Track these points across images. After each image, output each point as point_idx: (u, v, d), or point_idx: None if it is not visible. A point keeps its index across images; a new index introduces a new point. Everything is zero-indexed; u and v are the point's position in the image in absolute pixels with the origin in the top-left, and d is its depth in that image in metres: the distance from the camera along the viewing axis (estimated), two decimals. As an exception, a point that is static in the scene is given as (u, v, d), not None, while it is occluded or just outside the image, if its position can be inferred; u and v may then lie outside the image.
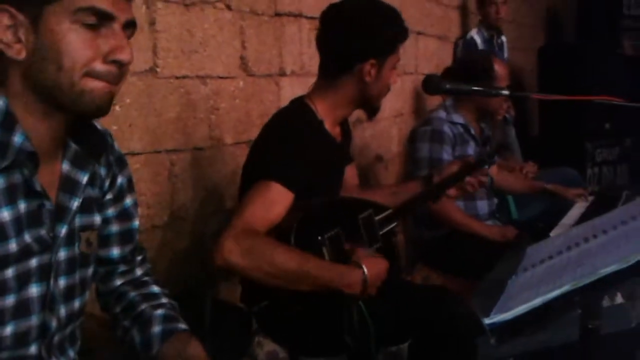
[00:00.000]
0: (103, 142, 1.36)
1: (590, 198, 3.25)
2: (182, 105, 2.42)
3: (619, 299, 1.32)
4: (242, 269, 1.77)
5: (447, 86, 2.07)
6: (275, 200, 1.84)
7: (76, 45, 1.15)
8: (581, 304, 1.12)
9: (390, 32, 2.07)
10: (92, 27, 1.16)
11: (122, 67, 1.20)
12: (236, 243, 1.74)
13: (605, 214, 1.22)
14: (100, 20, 1.16)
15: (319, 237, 1.82)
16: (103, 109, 1.21)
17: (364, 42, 2.03)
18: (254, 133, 2.77)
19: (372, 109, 2.18)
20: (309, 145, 1.95)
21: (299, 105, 2.09)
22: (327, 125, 2.08)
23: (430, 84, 2.09)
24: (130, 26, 1.23)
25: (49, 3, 1.14)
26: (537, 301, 0.88)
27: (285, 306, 1.87)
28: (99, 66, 1.16)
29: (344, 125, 2.22)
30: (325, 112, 2.07)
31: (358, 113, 2.41)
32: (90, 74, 1.16)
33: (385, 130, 4.27)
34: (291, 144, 1.93)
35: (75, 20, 1.14)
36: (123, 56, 1.18)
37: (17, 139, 1.16)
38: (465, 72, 3.15)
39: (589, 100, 2.02)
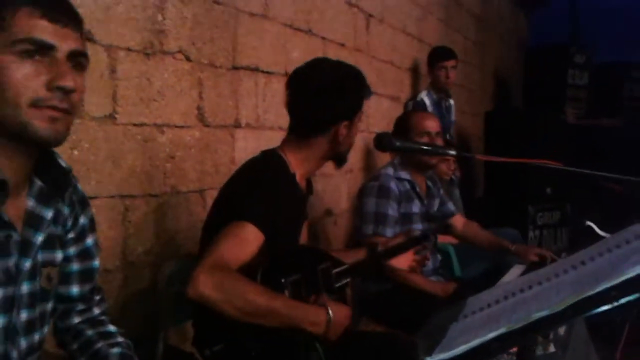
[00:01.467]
0: (66, 179, 1.39)
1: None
2: (139, 152, 2.46)
3: (552, 348, 1.39)
4: (214, 301, 1.80)
5: (397, 144, 2.16)
6: (247, 240, 1.90)
7: (17, 76, 1.17)
8: (517, 352, 1.20)
9: (357, 93, 2.19)
10: (33, 58, 1.19)
11: (67, 95, 1.21)
12: (209, 276, 1.79)
13: (539, 269, 1.30)
14: (40, 50, 1.19)
15: (282, 280, 1.89)
16: (52, 137, 1.22)
17: (336, 108, 2.14)
18: (207, 182, 2.84)
19: (340, 161, 2.29)
20: (282, 194, 2.03)
21: (273, 156, 2.16)
22: (298, 178, 2.17)
23: (381, 142, 2.17)
24: (77, 55, 1.25)
25: None
26: (475, 342, 0.95)
27: (241, 350, 1.90)
28: (42, 93, 1.19)
29: (309, 180, 2.30)
30: (297, 165, 2.16)
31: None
32: (35, 104, 1.19)
33: (335, 186, 4.36)
34: (266, 190, 2.01)
35: (15, 52, 1.17)
36: (64, 82, 1.20)
37: None
38: (398, 129, 3.32)
39: (531, 163, 2.12)
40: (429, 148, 2.34)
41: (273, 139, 2.26)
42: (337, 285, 2.10)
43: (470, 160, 6.68)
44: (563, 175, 6.47)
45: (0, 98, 1.18)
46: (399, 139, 2.32)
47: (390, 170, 3.26)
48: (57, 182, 1.36)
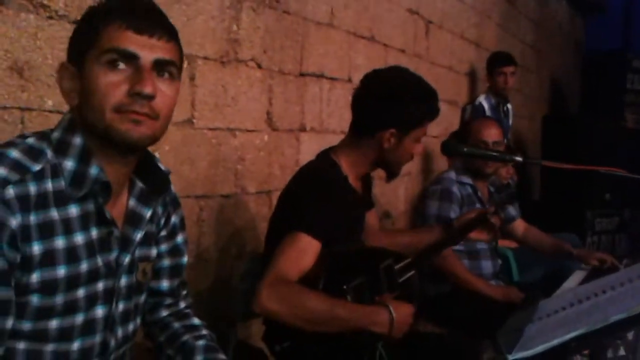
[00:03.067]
0: (165, 182, 1.50)
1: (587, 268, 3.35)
2: (213, 154, 2.58)
3: (621, 351, 1.45)
4: (278, 314, 1.90)
5: (465, 150, 2.22)
6: (304, 250, 1.97)
7: (102, 85, 1.26)
8: (589, 354, 1.26)
9: (417, 109, 2.15)
10: (117, 67, 1.27)
11: (147, 100, 1.28)
12: (272, 291, 1.89)
13: (610, 274, 1.36)
14: (124, 59, 1.27)
15: (344, 287, 1.95)
16: (135, 138, 1.29)
17: (388, 112, 2.14)
18: (274, 184, 2.95)
19: (390, 173, 2.29)
20: (335, 199, 2.08)
21: (326, 160, 2.22)
22: (351, 179, 2.21)
23: (447, 147, 2.24)
24: (164, 64, 1.31)
25: (87, 51, 1.28)
26: (555, 342, 1.02)
27: (307, 347, 1.99)
28: (124, 100, 1.26)
29: (366, 177, 2.35)
30: (348, 167, 2.21)
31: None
32: (118, 109, 1.27)
33: (393, 189, 4.43)
34: (319, 198, 2.06)
35: (102, 62, 1.27)
36: (142, 88, 1.26)
37: (93, 170, 1.31)
38: (462, 135, 3.36)
39: (595, 170, 2.16)
40: (495, 154, 2.40)
41: (335, 143, 2.31)
42: (401, 280, 2.16)
43: (525, 167, 6.67)
44: (622, 181, 6.41)
45: (90, 105, 1.28)
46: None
47: (453, 174, 3.32)
48: (156, 184, 1.47)
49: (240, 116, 2.73)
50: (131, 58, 1.28)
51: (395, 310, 1.94)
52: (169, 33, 1.33)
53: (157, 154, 2.29)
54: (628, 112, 7.62)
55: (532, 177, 6.91)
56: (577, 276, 3.15)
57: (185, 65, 2.41)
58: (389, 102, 2.14)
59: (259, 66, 2.82)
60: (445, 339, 2.42)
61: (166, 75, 1.32)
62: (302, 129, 3.21)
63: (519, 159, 2.18)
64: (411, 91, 2.16)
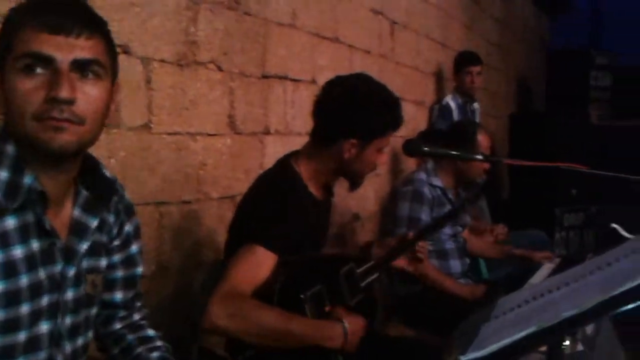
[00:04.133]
0: (111, 189, 1.45)
1: (556, 260, 3.38)
2: (173, 160, 2.53)
3: (579, 347, 1.43)
4: (228, 331, 1.86)
5: (426, 149, 2.21)
6: (259, 263, 1.92)
7: (19, 92, 1.19)
8: (546, 351, 1.25)
9: (379, 119, 2.09)
10: (34, 72, 1.20)
11: (68, 105, 1.20)
12: (222, 307, 1.83)
13: (567, 270, 1.36)
14: (40, 64, 1.20)
15: (302, 296, 1.90)
16: (58, 146, 1.22)
17: (349, 122, 2.07)
18: (238, 188, 2.91)
19: (352, 183, 2.22)
20: (292, 209, 2.02)
21: (285, 168, 2.16)
22: (312, 188, 2.15)
23: (410, 147, 2.22)
24: (86, 64, 1.23)
25: (4, 57, 1.22)
26: (507, 341, 1.00)
27: (270, 357, 1.95)
28: (41, 107, 1.19)
29: (328, 186, 2.28)
30: (308, 175, 2.14)
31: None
32: (36, 118, 1.20)
33: (362, 190, 4.39)
34: (275, 208, 2.00)
35: (18, 68, 1.20)
36: (58, 93, 1.19)
37: (26, 180, 1.25)
38: (449, 136, 3.35)
39: (558, 167, 2.16)
40: (457, 153, 2.39)
41: (300, 145, 2.27)
42: (364, 284, 2.12)
43: (494, 165, 6.70)
44: (588, 177, 6.47)
45: (11, 114, 1.22)
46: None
47: (424, 176, 3.31)
48: (102, 192, 1.42)
49: (201, 120, 2.68)
50: (47, 61, 1.21)
51: (349, 323, 1.91)
52: (91, 29, 1.25)
53: (112, 161, 2.27)
54: (592, 108, 7.71)
55: (501, 176, 6.94)
56: (543, 271, 3.15)
57: (140, 68, 2.37)
58: (350, 111, 2.07)
59: (219, 68, 2.78)
60: (409, 343, 2.39)
61: (90, 75, 1.25)
62: (267, 132, 3.17)
63: (479, 157, 2.17)
64: (373, 100, 2.09)
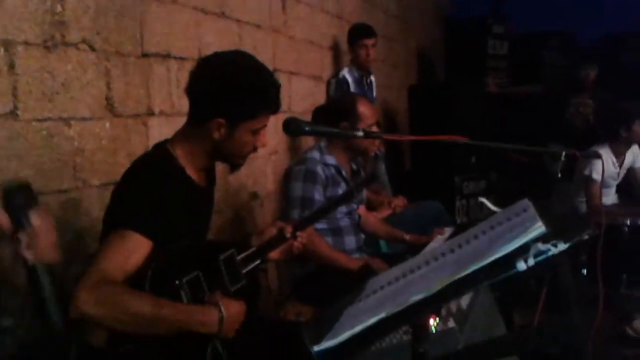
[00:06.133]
0: None
1: (449, 230, 3.41)
2: (45, 148, 2.39)
3: (451, 323, 1.43)
4: (97, 318, 1.76)
5: (307, 128, 2.14)
6: (131, 249, 1.84)
7: None
8: (411, 330, 1.22)
9: (248, 100, 2.01)
10: None
11: None
12: (90, 293, 1.73)
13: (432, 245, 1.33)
14: None
15: (177, 282, 1.83)
16: None
17: (216, 101, 2.00)
18: (120, 174, 2.79)
19: (230, 165, 2.15)
20: (168, 192, 1.94)
21: (160, 151, 2.07)
22: (189, 171, 2.07)
23: (289, 126, 2.14)
24: None
25: None
26: (357, 328, 0.96)
27: (152, 347, 1.87)
28: None
29: (210, 170, 2.21)
30: (185, 158, 2.06)
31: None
32: None
33: (260, 168, 4.34)
34: (149, 192, 1.92)
35: None
36: None
37: None
38: (332, 113, 3.31)
39: (439, 140, 2.14)
40: (338, 131, 2.35)
41: None
42: (245, 270, 2.07)
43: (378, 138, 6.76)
44: (486, 145, 6.61)
45: None
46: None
47: (317, 155, 3.26)
48: None
49: (74, 104, 2.54)
50: None
51: (225, 308, 1.84)
52: None
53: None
54: (490, 77, 7.87)
55: (402, 148, 7.01)
56: (434, 243, 3.18)
57: (1, 52, 2.22)
58: (218, 89, 1.99)
59: (92, 48, 2.63)
60: (282, 327, 2.34)
61: None
62: (150, 113, 3.05)
63: (360, 134, 2.13)
64: (244, 80, 2.00)
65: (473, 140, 5.85)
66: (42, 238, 1.36)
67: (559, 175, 2.48)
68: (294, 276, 3.38)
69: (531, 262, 0.91)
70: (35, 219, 1.38)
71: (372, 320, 0.95)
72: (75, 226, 2.56)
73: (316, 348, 0.97)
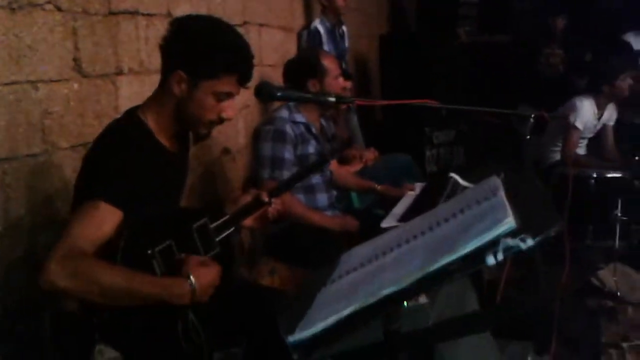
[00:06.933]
0: None
1: (419, 187, 3.44)
2: (12, 112, 2.35)
3: (422, 299, 1.46)
4: (68, 291, 1.76)
5: (279, 94, 2.14)
6: (102, 220, 1.84)
7: None
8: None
9: (211, 55, 1.99)
10: None
11: None
12: (61, 266, 1.74)
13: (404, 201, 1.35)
14: None
15: (149, 251, 1.83)
16: None
17: (179, 51, 2.00)
18: (91, 135, 2.75)
19: (194, 132, 2.13)
20: (136, 159, 1.93)
21: (129, 117, 2.07)
22: (159, 136, 2.06)
23: (261, 91, 2.14)
24: None
25: None
26: (331, 320, 0.98)
27: (127, 317, 1.89)
28: None
29: (184, 136, 2.20)
30: (154, 124, 2.06)
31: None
32: None
33: (231, 123, 4.29)
34: (118, 160, 1.91)
35: None
36: None
37: None
38: (297, 71, 3.31)
39: (410, 104, 2.16)
40: (310, 97, 2.35)
41: None
42: (219, 238, 2.08)
43: (366, 87, 6.76)
44: (459, 95, 6.65)
45: None
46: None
47: (286, 113, 3.26)
48: None
49: (42, 66, 2.50)
50: None
51: (196, 278, 1.84)
52: None
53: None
54: (461, 24, 7.83)
55: (373, 97, 7.01)
56: (406, 200, 3.22)
57: (-36, 16, 2.16)
58: (183, 42, 2.00)
59: (59, 9, 2.57)
60: (256, 292, 2.37)
61: None
62: (119, 72, 3.00)
63: (332, 99, 2.14)
64: (211, 37, 2.01)
65: (443, 92, 5.91)
66: None
67: (528, 137, 2.52)
68: (268, 233, 3.41)
69: (500, 256, 0.93)
70: None
71: (345, 312, 0.97)
72: (46, 190, 2.54)
73: (290, 339, 0.99)
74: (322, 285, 1.21)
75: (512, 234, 0.94)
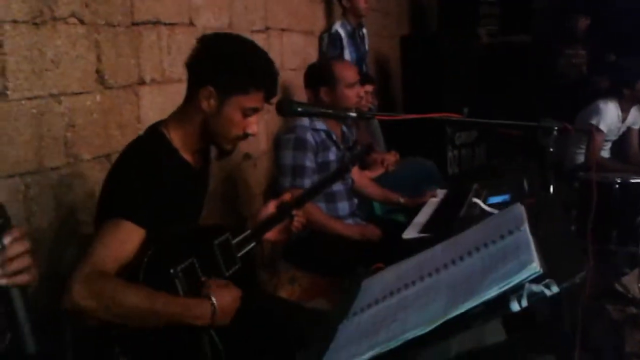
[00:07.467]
0: None
1: (441, 194, 3.41)
2: (35, 126, 2.38)
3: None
4: (91, 311, 1.77)
5: (299, 109, 2.14)
6: (124, 239, 1.84)
7: None
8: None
9: (240, 70, 2.01)
10: None
11: None
12: (85, 286, 1.75)
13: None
14: None
15: (171, 271, 1.84)
16: None
17: (208, 68, 2.01)
18: (113, 146, 2.78)
19: (219, 148, 2.13)
20: (161, 178, 1.94)
21: (153, 134, 2.07)
22: (183, 152, 2.07)
23: (283, 108, 2.15)
24: None
25: None
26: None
27: (147, 331, 1.90)
28: None
29: (205, 151, 2.19)
30: (179, 140, 2.06)
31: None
32: None
33: (252, 128, 4.31)
34: (142, 179, 1.91)
35: None
36: None
37: None
38: (312, 78, 3.32)
39: (431, 118, 2.15)
40: (330, 111, 2.34)
41: (181, 92, 2.15)
42: (240, 254, 2.08)
43: (387, 88, 6.73)
44: (479, 95, 6.60)
45: None
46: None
47: (306, 121, 3.26)
48: None
49: (65, 79, 2.51)
50: None
51: (218, 299, 1.85)
52: None
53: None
54: (482, 24, 7.76)
55: (394, 98, 6.98)
56: (429, 207, 3.18)
57: (-12, 33, 2.18)
58: (211, 59, 2.02)
59: (82, 22, 2.59)
60: (277, 309, 2.36)
61: None
62: (141, 82, 3.02)
63: (353, 114, 2.13)
64: (239, 53, 2.04)
65: (465, 93, 5.83)
66: (16, 261, 1.34)
67: (551, 150, 2.49)
68: (289, 241, 3.40)
69: (524, 303, 0.92)
70: (9, 241, 1.36)
71: (365, 357, 0.97)
72: (69, 203, 2.56)
73: (314, 377, 0.99)
74: (344, 318, 1.21)
75: (537, 279, 0.93)
